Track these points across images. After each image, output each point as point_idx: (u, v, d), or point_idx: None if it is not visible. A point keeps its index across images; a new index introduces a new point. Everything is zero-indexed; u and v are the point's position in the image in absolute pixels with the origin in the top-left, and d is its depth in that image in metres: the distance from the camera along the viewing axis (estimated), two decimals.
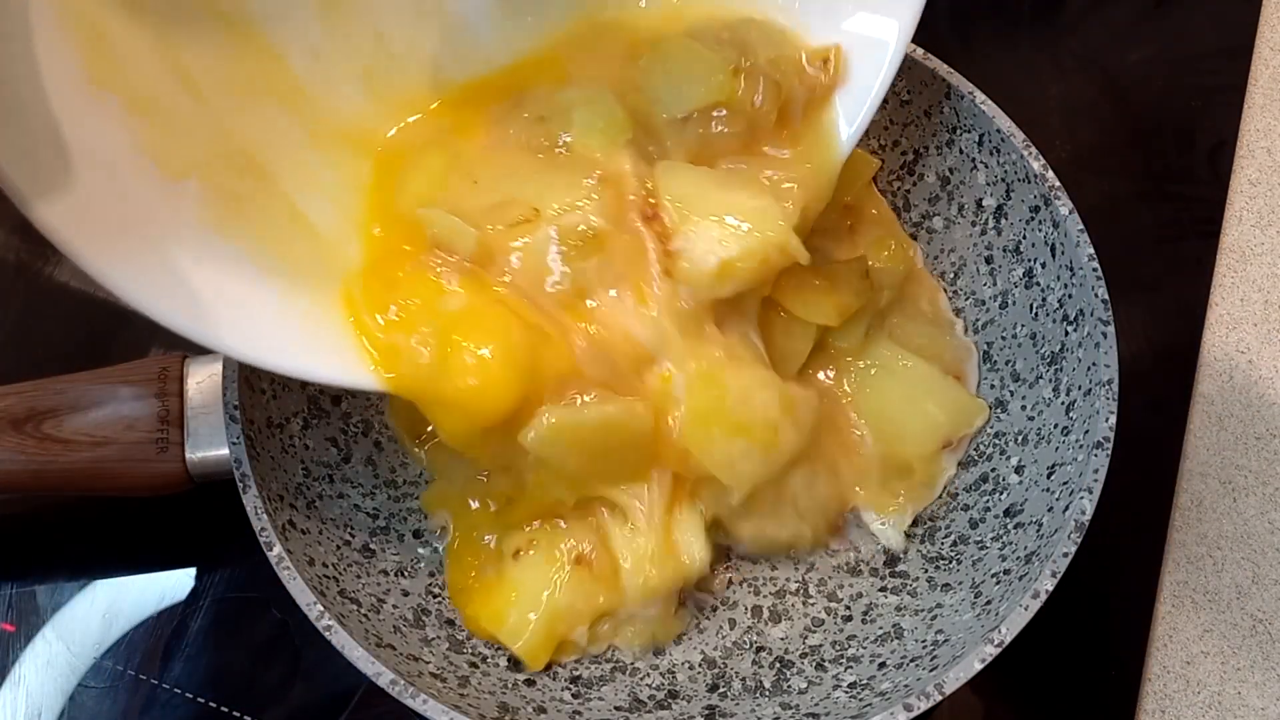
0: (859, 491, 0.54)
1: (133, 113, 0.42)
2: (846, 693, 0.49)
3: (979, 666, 0.44)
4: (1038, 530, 0.49)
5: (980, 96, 0.56)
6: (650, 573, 0.50)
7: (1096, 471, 0.48)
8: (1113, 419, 0.49)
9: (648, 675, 0.51)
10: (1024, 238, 0.56)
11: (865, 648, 0.51)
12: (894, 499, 0.54)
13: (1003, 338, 0.57)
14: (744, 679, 0.51)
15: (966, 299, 0.59)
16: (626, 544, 0.50)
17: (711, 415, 0.48)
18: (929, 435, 0.54)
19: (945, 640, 0.48)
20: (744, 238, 0.47)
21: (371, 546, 0.52)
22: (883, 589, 0.53)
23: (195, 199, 0.43)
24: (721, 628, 0.53)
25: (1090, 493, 0.47)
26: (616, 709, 0.49)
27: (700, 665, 0.52)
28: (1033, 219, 0.55)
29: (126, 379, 0.52)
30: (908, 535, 0.54)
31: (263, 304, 0.44)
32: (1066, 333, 0.53)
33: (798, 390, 0.51)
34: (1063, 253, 0.53)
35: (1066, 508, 0.48)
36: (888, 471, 0.54)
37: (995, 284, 0.58)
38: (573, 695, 0.50)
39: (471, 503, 0.53)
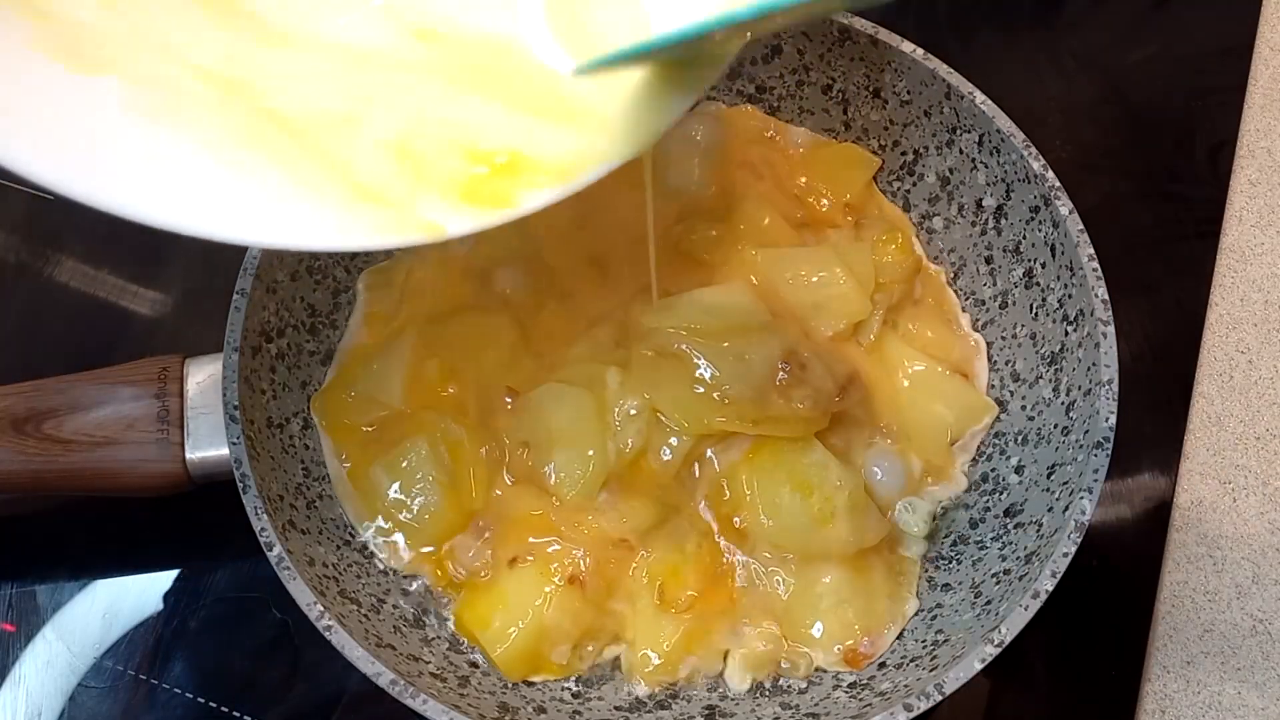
0: (888, 630, 0.51)
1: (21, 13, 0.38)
2: (846, 693, 0.49)
3: (979, 666, 0.44)
4: (1038, 530, 0.49)
5: (980, 96, 0.56)
6: (651, 664, 0.50)
7: (1096, 471, 0.48)
8: (1113, 419, 0.49)
9: None
10: (1024, 238, 0.56)
11: None
12: (920, 497, 0.54)
13: (1002, 338, 0.57)
14: None
15: (966, 299, 0.59)
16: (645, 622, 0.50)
17: (786, 459, 0.50)
18: (936, 435, 0.54)
19: (945, 640, 0.48)
20: None
21: (371, 547, 0.52)
22: None
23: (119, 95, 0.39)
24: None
25: (1090, 493, 0.47)
26: (616, 709, 0.49)
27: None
28: (1033, 219, 0.55)
29: (126, 379, 0.52)
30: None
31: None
32: (1066, 333, 0.53)
33: (875, 511, 0.51)
34: (1063, 253, 0.53)
35: (1066, 508, 0.48)
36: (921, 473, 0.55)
37: (995, 284, 0.58)
38: (573, 695, 0.50)
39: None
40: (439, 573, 0.52)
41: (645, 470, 0.51)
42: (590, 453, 0.50)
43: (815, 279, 0.54)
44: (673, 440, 0.51)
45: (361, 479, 0.53)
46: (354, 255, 0.59)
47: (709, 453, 0.52)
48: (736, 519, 0.51)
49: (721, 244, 0.56)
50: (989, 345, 0.58)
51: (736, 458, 0.51)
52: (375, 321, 0.57)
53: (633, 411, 0.50)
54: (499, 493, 0.52)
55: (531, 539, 0.51)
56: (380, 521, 0.52)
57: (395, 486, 0.52)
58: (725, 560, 0.51)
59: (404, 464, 0.51)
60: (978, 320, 0.58)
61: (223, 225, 0.39)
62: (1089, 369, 0.51)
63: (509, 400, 0.52)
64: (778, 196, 0.59)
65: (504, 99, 0.43)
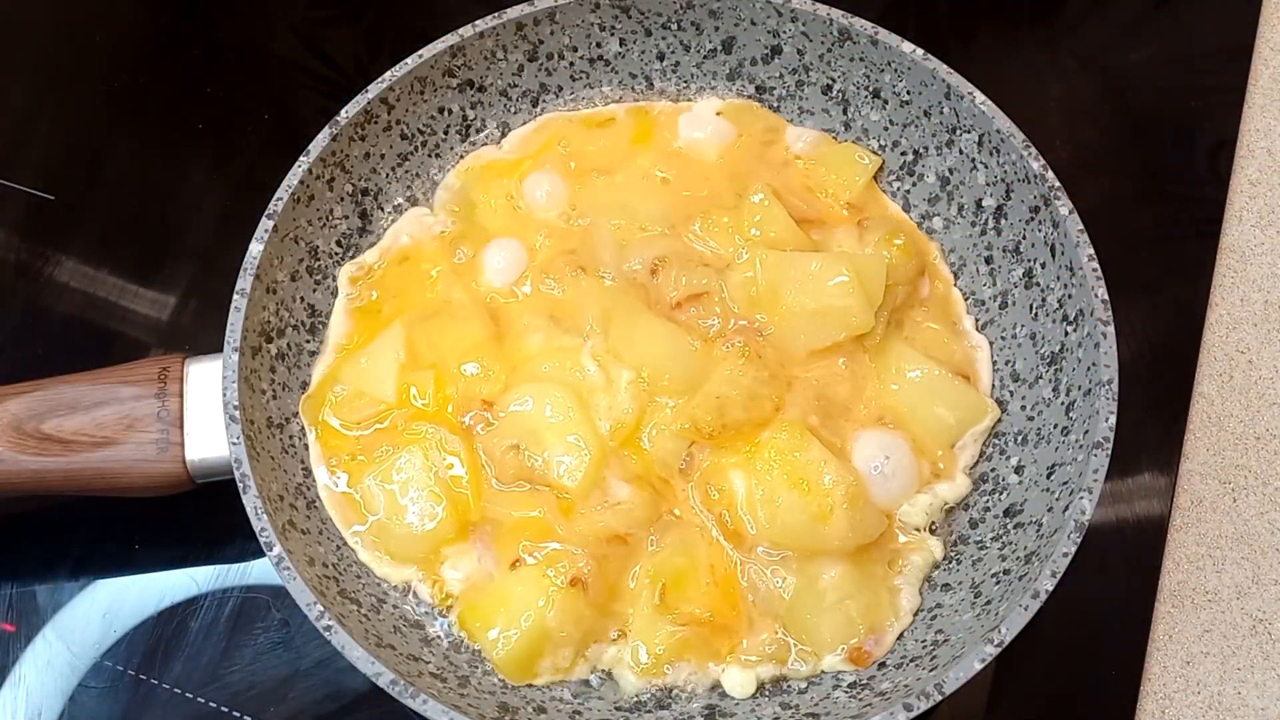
0: (891, 627, 0.51)
1: None
2: (846, 693, 0.49)
3: (979, 666, 0.44)
4: (1038, 530, 0.49)
5: (980, 96, 0.56)
6: (640, 661, 0.50)
7: (1096, 471, 0.47)
8: (1112, 419, 0.49)
9: None
10: (1024, 238, 0.56)
11: None
12: (927, 493, 0.54)
13: (1002, 338, 0.57)
14: None
15: (966, 299, 0.59)
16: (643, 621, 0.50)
17: (782, 458, 0.50)
18: (938, 437, 0.54)
19: (945, 640, 0.48)
20: None
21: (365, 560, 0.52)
22: None
23: None
24: None
25: (1090, 493, 0.47)
26: (616, 709, 0.49)
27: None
28: (1033, 219, 0.55)
29: (126, 379, 0.52)
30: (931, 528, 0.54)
31: None
32: (1066, 333, 0.53)
33: (874, 506, 0.51)
34: (1063, 253, 0.53)
35: (1066, 508, 0.48)
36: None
37: (995, 284, 0.58)
38: (572, 695, 0.50)
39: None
40: (434, 585, 0.52)
41: (643, 461, 0.52)
42: (586, 434, 0.51)
43: (821, 286, 0.53)
44: (668, 434, 0.52)
45: (353, 492, 0.52)
46: (352, 255, 0.59)
47: (705, 452, 0.52)
48: (730, 517, 0.51)
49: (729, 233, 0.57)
50: (989, 345, 0.58)
51: (734, 457, 0.51)
52: (360, 316, 0.57)
53: (626, 380, 0.52)
54: (490, 500, 0.52)
55: (529, 542, 0.51)
56: (373, 535, 0.52)
57: (389, 500, 0.51)
58: (736, 577, 0.51)
59: (398, 476, 0.51)
60: (977, 320, 0.58)
61: None
62: (1089, 369, 0.51)
63: (485, 413, 0.53)
64: (781, 194, 0.59)
65: None
